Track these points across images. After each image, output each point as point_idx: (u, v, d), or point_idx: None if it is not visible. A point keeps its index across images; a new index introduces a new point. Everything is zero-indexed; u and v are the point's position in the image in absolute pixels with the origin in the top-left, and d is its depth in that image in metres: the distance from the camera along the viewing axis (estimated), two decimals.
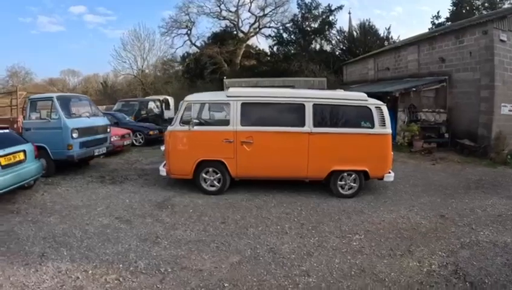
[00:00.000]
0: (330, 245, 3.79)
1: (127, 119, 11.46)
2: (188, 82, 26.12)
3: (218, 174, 5.59)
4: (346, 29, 27.26)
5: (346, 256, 3.54)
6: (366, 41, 25.19)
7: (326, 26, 26.86)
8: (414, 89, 11.15)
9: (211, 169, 5.58)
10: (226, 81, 16.95)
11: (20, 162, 5.04)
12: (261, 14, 28.40)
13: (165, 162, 5.98)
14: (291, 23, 27.65)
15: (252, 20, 29.20)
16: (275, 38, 28.74)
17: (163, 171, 5.71)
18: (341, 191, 5.59)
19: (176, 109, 21.28)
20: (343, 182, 5.59)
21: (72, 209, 4.81)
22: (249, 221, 4.53)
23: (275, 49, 28.78)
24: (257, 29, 29.28)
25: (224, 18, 28.92)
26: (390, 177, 5.64)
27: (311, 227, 4.33)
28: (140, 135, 10.71)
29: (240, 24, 29.29)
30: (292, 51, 27.65)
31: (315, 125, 5.41)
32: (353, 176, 5.58)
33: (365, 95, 5.70)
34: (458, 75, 10.74)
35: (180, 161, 5.54)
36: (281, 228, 4.29)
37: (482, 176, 7.50)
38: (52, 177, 6.38)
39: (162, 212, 4.74)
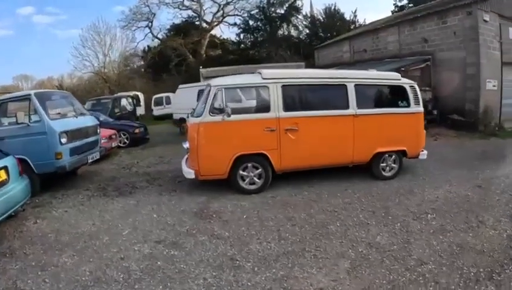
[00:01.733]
0: (416, 229, 3.57)
1: (103, 118, 9.88)
2: (152, 76, 24.69)
3: (259, 170, 4.81)
4: (312, 14, 27.54)
5: (437, 236, 3.38)
6: (333, 25, 25.57)
7: (293, 12, 26.71)
8: (403, 68, 11.29)
9: (250, 164, 4.77)
10: (202, 71, 15.84)
11: (2, 183, 3.64)
12: (224, 2, 27.40)
13: (185, 159, 5.16)
14: (257, 10, 27.01)
15: (214, 9, 28.25)
16: (240, 26, 27.94)
17: (190, 173, 4.72)
18: (383, 173, 5.41)
19: (147, 104, 20.56)
20: (384, 164, 5.42)
21: (87, 240, 3.52)
22: (320, 217, 3.95)
23: (241, 37, 28.04)
24: (220, 18, 28.30)
25: (187, 8, 27.76)
26: (424, 155, 5.63)
27: (383, 213, 4.02)
28: (124, 134, 9.27)
29: (203, 14, 28.18)
30: (259, 38, 27.20)
31: (358, 107, 5.06)
32: (393, 156, 5.44)
33: (398, 74, 5.59)
34: (442, 54, 11.12)
35: (213, 158, 4.62)
36: (357, 220, 3.86)
37: (483, 147, 8.09)
38: (38, 196, 4.93)
39: (210, 225, 3.82)
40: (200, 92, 10.95)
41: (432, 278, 2.65)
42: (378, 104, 5.32)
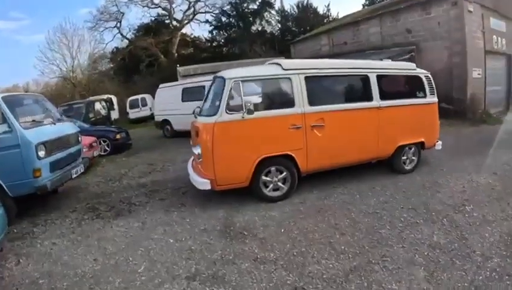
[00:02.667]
0: (462, 222, 3.44)
1: (78, 124, 8.69)
2: (123, 78, 23.52)
3: (284, 173, 4.23)
4: (282, 8, 27.35)
5: (485, 227, 3.29)
6: (307, 19, 25.56)
7: (266, 7, 26.27)
8: (390, 60, 11.25)
9: (273, 168, 4.17)
10: (179, 69, 14.98)
11: None
12: None
13: (191, 165, 4.53)
14: (228, 6, 26.25)
15: (185, 7, 27.18)
16: (212, 23, 27.00)
17: (204, 183, 3.99)
18: (404, 166, 5.20)
19: (121, 108, 19.21)
20: (405, 157, 5.19)
21: (93, 285, 2.68)
22: (365, 222, 3.57)
23: (214, 34, 27.17)
24: (191, 16, 27.20)
25: (156, 6, 26.46)
26: (439, 145, 5.56)
27: (424, 210, 3.79)
28: (105, 141, 8.17)
29: (173, 12, 27.00)
30: (233, 35, 26.49)
31: (381, 99, 4.74)
32: (413, 149, 5.23)
33: (413, 64, 5.48)
34: (426, 45, 11.19)
35: (232, 163, 3.96)
36: (404, 219, 3.58)
37: (479, 135, 8.33)
38: (15, 224, 3.95)
39: (247, 245, 3.18)
40: (186, 91, 10.21)
41: (503, 271, 2.56)
42: (397, 96, 5.06)
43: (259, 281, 2.57)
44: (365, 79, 4.71)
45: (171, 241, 3.34)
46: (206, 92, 4.79)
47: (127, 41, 27.08)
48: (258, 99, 4.13)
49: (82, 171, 5.05)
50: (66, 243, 3.49)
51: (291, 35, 24.93)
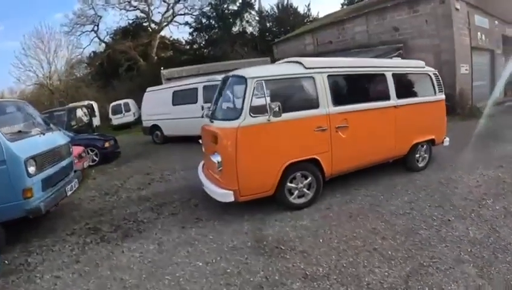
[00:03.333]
0: (489, 216, 3.45)
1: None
2: (102, 84, 22.50)
3: (309, 179, 3.92)
4: (261, 9, 27.32)
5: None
6: (287, 19, 25.60)
7: (246, 8, 26.03)
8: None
9: (299, 173, 3.85)
10: (164, 72, 14.40)
11: None
12: (173, 1, 25.70)
13: (202, 173, 4.20)
14: (208, 8, 25.76)
15: (163, 9, 26.56)
16: (192, 25, 26.42)
17: (226, 195, 3.59)
18: (417, 164, 5.15)
19: (101, 114, 18.24)
20: (418, 155, 5.13)
21: None
22: (400, 223, 3.43)
23: (194, 36, 26.59)
24: (170, 18, 26.51)
25: (135, 8, 25.65)
26: (447, 141, 5.58)
27: (450, 207, 3.76)
28: (92, 150, 7.47)
29: (151, 14, 26.30)
30: (213, 36, 26.05)
31: (398, 97, 4.63)
32: (425, 146, 5.19)
33: (422, 62, 5.45)
34: (414, 42, 11.36)
35: (257, 171, 3.59)
36: (436, 218, 3.50)
37: (473, 129, 8.45)
38: (6, 253, 3.35)
39: (290, 262, 2.82)
40: (176, 94, 9.65)
41: None
42: (410, 94, 5.00)
43: None
44: (382, 78, 4.57)
45: (200, 264, 2.89)
46: (217, 93, 4.37)
47: (104, 45, 26.15)
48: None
49: (77, 186, 4.47)
50: (72, 275, 2.94)
51: (272, 36, 24.94)
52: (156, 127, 10.22)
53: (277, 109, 3.37)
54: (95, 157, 7.53)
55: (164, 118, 9.87)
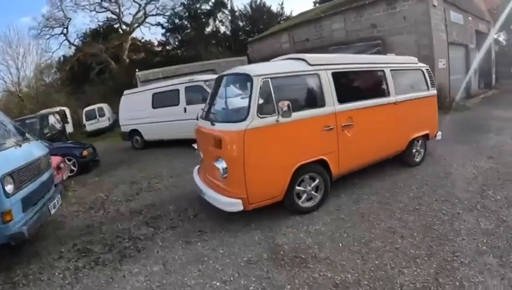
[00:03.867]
0: (494, 207, 3.53)
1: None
2: (73, 89, 21.39)
3: (316, 181, 3.76)
4: (235, 8, 27.15)
5: None
6: (260, 18, 25.55)
7: (219, 7, 25.64)
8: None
9: (307, 176, 3.67)
10: (139, 74, 13.74)
11: None
12: (145, 1, 24.86)
13: (198, 179, 3.99)
14: (181, 8, 25.10)
15: (134, 10, 25.82)
16: (164, 26, 25.66)
17: (235, 204, 3.31)
18: (414, 159, 5.18)
19: (74, 120, 17.10)
20: (414, 150, 5.15)
21: None
22: (412, 220, 3.41)
23: (167, 37, 25.82)
24: (141, 19, 25.60)
25: (105, 9, 24.72)
26: (439, 135, 5.65)
27: (456, 200, 3.81)
28: (70, 160, 6.82)
29: (122, 15, 25.37)
30: (187, 37, 25.45)
31: (396, 94, 4.62)
32: (420, 141, 5.23)
33: (415, 58, 5.52)
34: (392, 39, 11.58)
35: (266, 176, 3.37)
36: (446, 212, 3.51)
37: (456, 122, 8.80)
38: None
39: (315, 272, 2.64)
40: (157, 96, 9.15)
41: None
42: (407, 90, 4.96)
43: None
44: (382, 74, 4.52)
45: (218, 284, 2.61)
46: (212, 93, 4.08)
47: (74, 48, 25.10)
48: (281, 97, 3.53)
49: (60, 203, 3.99)
50: None
51: (246, 35, 24.83)
52: (135, 132, 9.64)
53: (286, 108, 3.15)
54: (73, 167, 6.90)
55: (144, 122, 9.34)
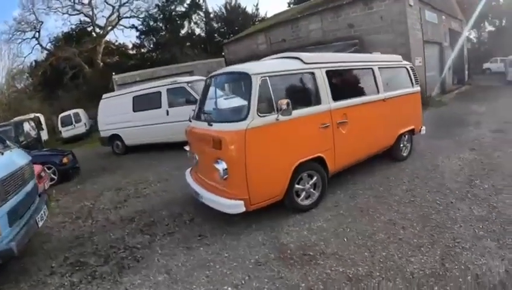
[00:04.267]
0: (483, 194, 3.78)
1: None
2: (45, 94, 20.46)
3: (314, 178, 3.78)
4: (210, 10, 27.03)
5: (502, 195, 3.65)
6: (236, 20, 25.58)
7: (194, 9, 25.36)
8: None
9: (305, 174, 3.69)
10: (115, 77, 13.31)
11: None
12: (118, 3, 24.22)
13: (193, 182, 3.97)
14: (155, 10, 24.58)
15: (108, 13, 25.20)
16: (138, 28, 25.05)
17: (237, 206, 3.24)
18: (402, 153, 5.35)
19: (48, 127, 16.15)
20: (402, 145, 5.32)
21: None
22: (410, 211, 3.54)
23: (142, 39, 25.22)
24: (115, 22, 24.80)
25: (78, 12, 23.95)
26: (424, 130, 5.85)
27: (447, 190, 4.01)
28: (49, 168, 6.40)
29: (95, 18, 24.69)
30: (162, 39, 24.95)
31: (385, 91, 4.78)
32: (406, 136, 5.41)
33: (400, 56, 5.72)
34: (370, 38, 11.95)
35: (268, 175, 3.34)
36: (440, 202, 3.69)
37: (435, 117, 9.26)
38: None
39: (323, 267, 2.65)
40: (137, 99, 8.83)
41: None
42: (393, 87, 5.10)
43: None
44: (372, 72, 4.64)
45: (229, 289, 2.54)
46: (204, 93, 3.99)
47: (46, 53, 24.14)
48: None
49: (47, 214, 3.73)
50: None
51: (221, 37, 24.82)
52: (115, 137, 9.26)
53: (286, 106, 3.13)
54: (53, 176, 6.49)
55: (124, 126, 8.98)
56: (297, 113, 3.40)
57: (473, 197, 3.72)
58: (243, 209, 3.25)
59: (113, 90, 13.39)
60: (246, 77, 3.28)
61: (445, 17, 15.12)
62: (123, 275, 2.96)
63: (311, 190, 3.79)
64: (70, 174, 6.93)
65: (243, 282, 2.59)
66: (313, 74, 3.70)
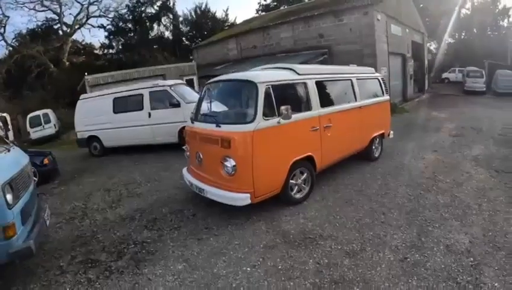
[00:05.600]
0: (446, 187, 4.55)
1: None
2: (9, 94, 19.15)
3: (305, 175, 4.30)
4: (180, 13, 27.08)
5: (462, 187, 4.49)
6: (205, 24, 25.79)
7: (165, 11, 25.12)
8: (307, 62, 12.52)
9: (298, 170, 4.19)
10: (88, 78, 12.84)
11: None
12: (87, 2, 23.20)
13: (199, 181, 4.19)
14: (125, 10, 23.94)
15: (76, 11, 25.08)
16: (106, 28, 24.19)
17: (243, 198, 3.62)
18: (374, 154, 6.07)
19: (14, 127, 14.96)
20: (374, 147, 6.02)
21: None
22: (388, 202, 4.16)
23: (110, 40, 24.37)
24: (83, 20, 23.75)
25: (46, 9, 22.75)
26: (392, 134, 6.69)
27: (415, 184, 4.71)
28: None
29: (63, 16, 23.48)
30: (129, 41, 24.38)
31: (361, 99, 5.43)
32: (377, 139, 6.14)
33: (372, 68, 6.49)
34: (339, 48, 12.94)
35: (270, 171, 3.79)
36: (411, 193, 4.37)
37: (399, 123, 10.22)
38: None
39: (324, 248, 3.13)
40: (118, 100, 8.76)
41: (493, 207, 3.82)
42: (368, 96, 5.72)
43: (379, 267, 2.75)
44: (351, 83, 5.26)
45: (249, 269, 2.90)
46: (206, 98, 4.32)
47: (11, 50, 22.53)
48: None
49: (50, 213, 3.79)
50: None
51: (189, 40, 24.92)
52: (93, 138, 9.08)
53: (287, 111, 3.60)
54: (33, 177, 6.27)
55: (104, 128, 8.85)
56: (293, 117, 3.88)
57: (438, 189, 4.47)
58: (249, 201, 3.63)
59: (83, 91, 12.93)
60: (251, 85, 3.70)
61: (409, 30, 16.67)
62: (141, 268, 3.14)
63: (303, 185, 4.28)
64: (50, 176, 6.75)
65: (259, 263, 2.97)
66: (305, 83, 4.23)
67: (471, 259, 2.78)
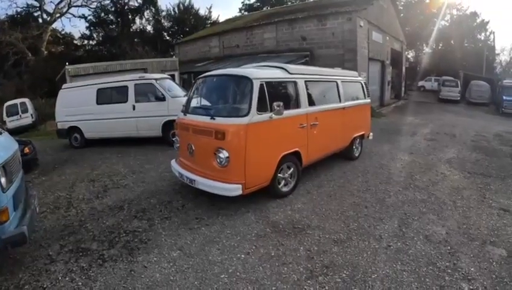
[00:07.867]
0: (423, 185, 4.97)
1: None
2: None
3: (291, 169, 4.53)
4: (163, 7, 26.80)
5: (438, 185, 4.94)
6: (187, 20, 25.66)
7: (147, 5, 24.73)
8: (290, 63, 12.82)
9: (285, 165, 4.41)
10: (69, 68, 12.45)
11: None
12: None
13: (189, 172, 4.30)
14: (109, 0, 23.27)
15: None
16: (87, 19, 23.45)
17: (235, 188, 3.77)
18: (354, 154, 6.41)
19: None
20: (354, 146, 6.36)
21: None
22: (370, 196, 4.47)
23: (91, 31, 23.65)
24: (64, 9, 22.79)
25: None
26: (371, 136, 7.12)
27: (394, 182, 5.13)
28: None
29: (43, 3, 22.65)
30: (110, 33, 23.74)
31: (345, 100, 5.74)
32: (358, 140, 6.49)
33: (356, 72, 6.90)
34: (320, 51, 13.34)
35: (261, 164, 3.98)
36: (390, 190, 4.73)
37: (377, 127, 10.55)
38: None
39: (312, 236, 3.35)
40: (102, 91, 8.57)
41: (467, 204, 4.24)
42: (351, 98, 6.01)
43: (365, 253, 3.02)
44: (336, 84, 5.55)
45: (243, 256, 3.05)
46: (201, 91, 4.42)
47: None
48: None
49: (37, 201, 3.72)
50: None
51: (171, 36, 24.77)
52: (74, 129, 8.83)
53: (279, 107, 3.78)
54: None
55: (86, 119, 8.63)
56: (284, 113, 4.07)
57: (415, 187, 4.86)
58: (240, 192, 3.79)
59: (62, 81, 12.51)
60: (247, 80, 3.86)
61: (389, 38, 17.42)
62: (135, 256, 3.17)
63: (289, 179, 4.50)
64: (31, 165, 6.53)
65: (252, 250, 3.14)
66: (296, 82, 4.45)
67: (449, 247, 3.12)
